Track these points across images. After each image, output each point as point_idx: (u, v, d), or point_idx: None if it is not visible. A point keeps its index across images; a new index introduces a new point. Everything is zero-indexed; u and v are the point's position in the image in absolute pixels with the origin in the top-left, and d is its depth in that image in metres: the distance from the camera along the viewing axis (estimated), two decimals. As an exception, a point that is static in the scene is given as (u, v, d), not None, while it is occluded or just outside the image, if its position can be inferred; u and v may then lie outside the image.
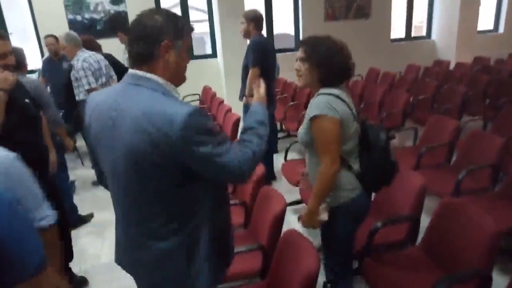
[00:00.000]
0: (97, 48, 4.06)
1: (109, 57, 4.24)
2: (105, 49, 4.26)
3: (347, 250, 1.94)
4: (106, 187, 1.38)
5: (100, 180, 1.44)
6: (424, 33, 8.01)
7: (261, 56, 3.48)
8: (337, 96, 1.66)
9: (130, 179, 1.17)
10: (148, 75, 1.16)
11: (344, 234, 1.86)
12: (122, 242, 1.35)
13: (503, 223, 2.13)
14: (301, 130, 1.77)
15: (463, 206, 1.94)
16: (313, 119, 1.65)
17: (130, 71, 1.20)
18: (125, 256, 1.35)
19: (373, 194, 2.64)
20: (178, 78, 1.23)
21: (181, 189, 1.18)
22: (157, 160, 1.09)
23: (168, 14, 1.21)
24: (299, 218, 1.85)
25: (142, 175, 1.14)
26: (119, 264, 1.40)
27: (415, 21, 7.93)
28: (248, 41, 3.67)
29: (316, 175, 1.70)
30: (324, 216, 1.75)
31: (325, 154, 1.65)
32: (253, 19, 3.55)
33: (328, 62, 1.67)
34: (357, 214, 1.83)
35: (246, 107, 3.63)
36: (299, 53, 1.73)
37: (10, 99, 1.89)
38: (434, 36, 7.87)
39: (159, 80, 1.16)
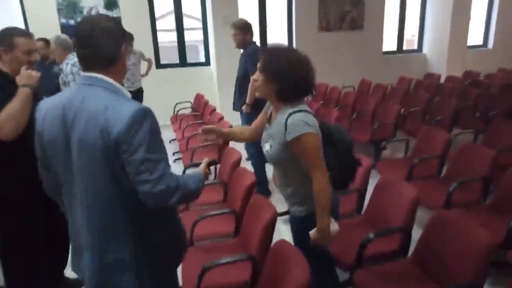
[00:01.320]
0: None
1: None
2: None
3: (326, 249, 1.93)
4: (54, 196, 1.41)
5: (49, 190, 1.44)
6: (415, 46, 8.12)
7: None
8: (307, 111, 1.67)
9: (84, 177, 1.22)
10: (100, 76, 1.24)
11: None
12: (80, 247, 1.32)
13: (494, 236, 2.12)
14: (273, 149, 1.72)
15: (456, 218, 1.93)
16: (294, 140, 1.62)
17: (84, 73, 1.27)
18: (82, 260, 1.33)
19: (364, 206, 2.65)
20: (122, 78, 1.34)
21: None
22: (106, 157, 1.16)
23: (115, 19, 1.33)
24: (313, 241, 1.76)
25: (96, 170, 1.19)
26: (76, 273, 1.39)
27: (407, 35, 8.05)
28: (241, 50, 3.64)
29: (292, 189, 1.78)
30: (335, 227, 1.72)
31: (315, 168, 1.65)
32: (249, 28, 3.53)
33: (283, 76, 1.62)
34: (333, 213, 1.81)
35: (247, 116, 3.54)
36: (259, 62, 1.70)
37: (33, 95, 1.93)
38: (425, 49, 7.98)
39: (110, 80, 1.25)
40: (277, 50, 1.71)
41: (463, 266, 1.78)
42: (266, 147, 1.77)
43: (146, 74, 5.57)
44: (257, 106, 3.40)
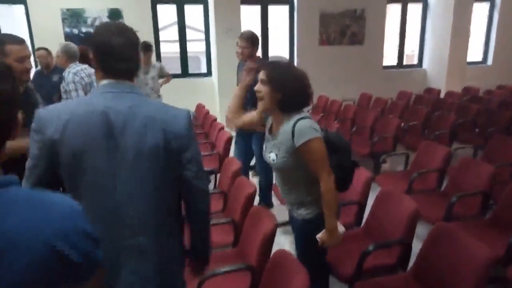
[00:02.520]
0: (89, 61, 4.04)
1: None
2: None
3: (323, 255, 1.97)
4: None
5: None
6: (415, 61, 8.20)
7: None
8: (310, 118, 1.76)
9: (137, 183, 1.24)
10: (132, 84, 1.30)
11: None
12: (113, 258, 1.26)
13: (493, 251, 2.12)
14: (280, 158, 1.77)
15: (455, 232, 1.93)
16: (303, 145, 1.68)
17: (113, 81, 1.26)
18: (119, 273, 1.28)
19: (364, 218, 2.64)
20: None
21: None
22: (168, 156, 1.25)
23: (131, 28, 1.32)
24: (321, 244, 1.80)
25: (156, 170, 1.25)
26: None
27: (407, 50, 8.15)
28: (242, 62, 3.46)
29: (297, 195, 1.83)
30: (341, 228, 1.80)
31: (322, 171, 1.72)
32: (257, 42, 3.37)
33: (287, 87, 1.72)
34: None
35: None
36: (261, 75, 1.77)
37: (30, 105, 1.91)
38: (425, 65, 8.06)
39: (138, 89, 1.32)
40: (277, 63, 1.80)
41: (462, 281, 1.77)
42: (271, 157, 1.82)
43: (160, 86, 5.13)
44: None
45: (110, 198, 1.23)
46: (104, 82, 1.25)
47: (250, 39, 3.29)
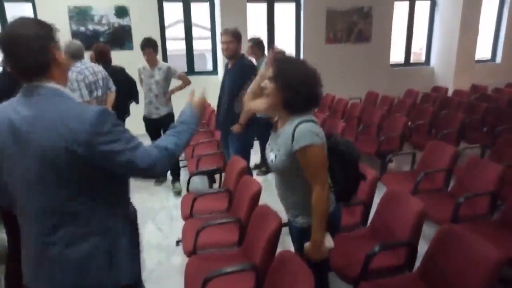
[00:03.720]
0: (106, 59, 3.97)
1: (121, 72, 4.11)
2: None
3: (326, 262, 1.91)
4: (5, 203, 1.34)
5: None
6: (423, 59, 8.13)
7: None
8: (315, 122, 1.68)
9: (46, 182, 1.19)
10: (44, 83, 1.21)
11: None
12: (33, 258, 1.29)
13: (502, 252, 2.09)
14: (278, 159, 1.72)
15: (463, 233, 1.90)
16: (301, 149, 1.62)
17: (26, 84, 1.23)
18: (39, 273, 1.29)
19: (369, 218, 2.62)
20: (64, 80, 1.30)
21: (98, 185, 1.25)
22: (72, 159, 1.16)
23: (37, 21, 1.26)
24: (305, 254, 1.76)
25: (60, 176, 1.18)
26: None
27: (414, 48, 8.06)
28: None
29: (295, 199, 1.77)
30: (330, 243, 1.72)
31: (317, 180, 1.65)
32: (241, 38, 3.26)
33: (293, 86, 1.64)
34: (335, 226, 1.85)
35: (239, 137, 3.33)
36: (269, 71, 1.72)
37: None
38: (432, 63, 7.98)
39: (57, 86, 1.23)
40: (289, 60, 1.74)
41: (470, 283, 1.75)
42: (271, 157, 1.77)
43: (172, 92, 4.27)
44: (248, 126, 3.29)
45: (21, 198, 1.25)
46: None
47: (233, 34, 3.23)
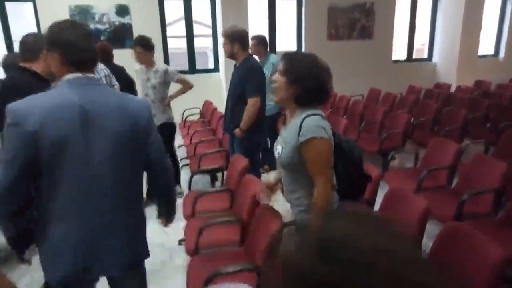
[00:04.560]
0: (109, 58, 3.81)
1: (121, 71, 3.88)
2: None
3: None
4: (22, 208, 1.36)
5: (19, 201, 1.35)
6: (425, 55, 8.08)
7: (261, 82, 3.13)
8: (322, 116, 1.68)
9: (117, 163, 1.40)
10: (92, 75, 1.42)
11: None
12: (86, 240, 1.40)
13: (507, 250, 2.07)
14: (284, 153, 1.72)
15: (467, 231, 1.89)
16: (306, 142, 1.62)
17: (78, 75, 1.37)
18: (89, 253, 1.42)
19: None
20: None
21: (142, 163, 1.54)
22: (135, 141, 1.44)
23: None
24: None
25: (128, 156, 1.43)
26: (78, 273, 1.40)
27: (416, 43, 8.01)
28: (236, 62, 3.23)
29: (300, 194, 1.75)
30: None
31: (321, 175, 1.65)
32: (238, 38, 3.09)
33: (304, 81, 1.65)
34: None
35: (241, 142, 3.21)
36: (280, 66, 1.73)
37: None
38: (435, 58, 7.93)
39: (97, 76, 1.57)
40: (299, 55, 1.74)
41: (475, 282, 1.73)
42: (278, 150, 1.77)
43: (171, 98, 3.85)
44: (252, 131, 3.15)
45: (86, 182, 1.36)
46: (70, 76, 1.35)
47: (227, 35, 3.13)
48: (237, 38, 3.11)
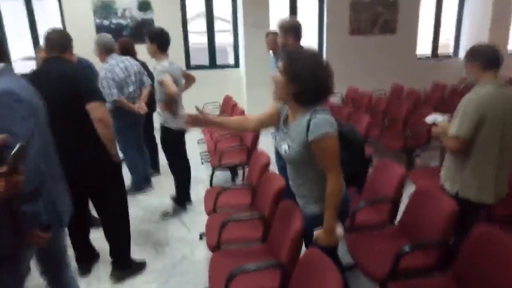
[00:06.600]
0: (131, 54, 3.90)
1: (145, 66, 3.93)
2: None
3: (335, 249, 1.96)
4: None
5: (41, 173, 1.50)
6: (451, 51, 7.83)
7: None
8: (328, 112, 1.71)
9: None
10: None
11: None
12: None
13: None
14: (292, 150, 1.75)
15: (500, 233, 1.80)
16: (316, 139, 1.64)
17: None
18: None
19: (398, 215, 2.54)
20: None
21: None
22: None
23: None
24: (315, 240, 1.80)
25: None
26: None
27: (441, 39, 7.78)
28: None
29: (307, 188, 1.82)
30: (340, 231, 1.77)
31: (332, 169, 1.69)
32: (292, 29, 3.00)
33: (302, 80, 1.64)
34: (344, 211, 1.87)
35: None
36: (280, 64, 1.71)
37: None
38: (461, 54, 7.68)
39: None
40: (298, 53, 1.72)
41: (509, 286, 1.66)
42: (284, 148, 1.79)
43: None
44: None
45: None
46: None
47: (281, 27, 3.04)
48: (290, 30, 3.00)
